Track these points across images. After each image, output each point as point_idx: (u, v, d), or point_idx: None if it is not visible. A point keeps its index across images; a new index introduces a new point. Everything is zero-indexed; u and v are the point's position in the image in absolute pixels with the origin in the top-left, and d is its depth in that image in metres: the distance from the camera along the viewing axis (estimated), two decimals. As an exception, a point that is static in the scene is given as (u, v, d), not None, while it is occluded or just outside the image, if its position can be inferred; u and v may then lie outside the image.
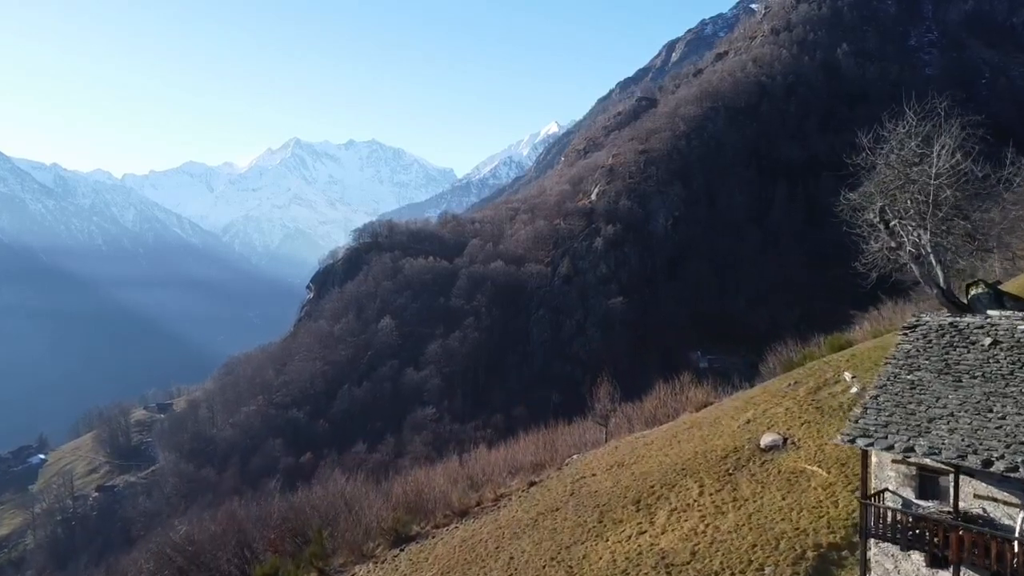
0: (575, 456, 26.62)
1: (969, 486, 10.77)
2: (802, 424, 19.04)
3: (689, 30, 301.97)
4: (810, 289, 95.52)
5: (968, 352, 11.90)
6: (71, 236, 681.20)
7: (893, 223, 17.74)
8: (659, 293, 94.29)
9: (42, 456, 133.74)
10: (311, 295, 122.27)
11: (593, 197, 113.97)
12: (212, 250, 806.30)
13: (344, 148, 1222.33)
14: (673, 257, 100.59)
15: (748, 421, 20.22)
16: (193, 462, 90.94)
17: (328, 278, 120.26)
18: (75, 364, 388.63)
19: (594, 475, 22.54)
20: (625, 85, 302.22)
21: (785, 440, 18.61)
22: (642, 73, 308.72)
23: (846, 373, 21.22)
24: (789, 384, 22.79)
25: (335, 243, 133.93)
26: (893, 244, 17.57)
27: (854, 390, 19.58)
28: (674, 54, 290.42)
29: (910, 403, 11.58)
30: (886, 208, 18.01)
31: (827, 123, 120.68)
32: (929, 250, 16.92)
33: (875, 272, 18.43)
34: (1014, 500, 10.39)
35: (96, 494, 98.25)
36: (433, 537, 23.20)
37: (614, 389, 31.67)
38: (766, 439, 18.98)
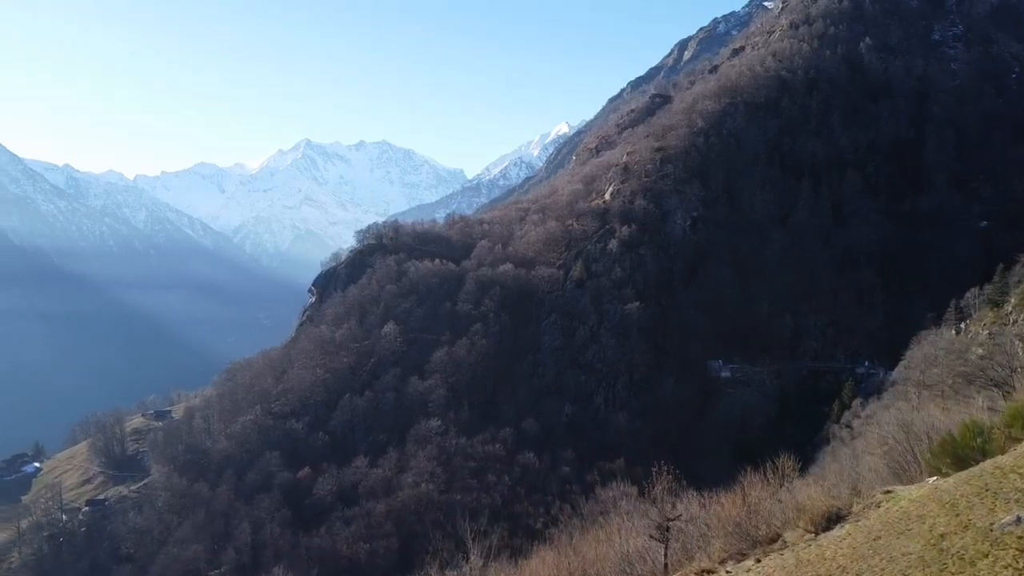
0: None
1: None
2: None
3: (701, 28, 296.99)
4: (837, 294, 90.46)
5: None
6: (82, 237, 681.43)
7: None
8: (677, 298, 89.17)
9: (37, 465, 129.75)
10: (313, 299, 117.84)
11: (607, 197, 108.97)
12: (223, 251, 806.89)
13: (355, 149, 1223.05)
14: (692, 259, 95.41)
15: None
16: (186, 476, 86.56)
17: (331, 281, 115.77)
18: (83, 368, 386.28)
19: None
20: (637, 84, 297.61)
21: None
22: (654, 72, 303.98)
23: None
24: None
25: (345, 244, 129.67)
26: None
27: None
28: (687, 52, 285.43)
29: None
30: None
31: (851, 119, 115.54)
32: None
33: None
34: None
35: (86, 508, 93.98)
36: None
37: (678, 480, 18.56)
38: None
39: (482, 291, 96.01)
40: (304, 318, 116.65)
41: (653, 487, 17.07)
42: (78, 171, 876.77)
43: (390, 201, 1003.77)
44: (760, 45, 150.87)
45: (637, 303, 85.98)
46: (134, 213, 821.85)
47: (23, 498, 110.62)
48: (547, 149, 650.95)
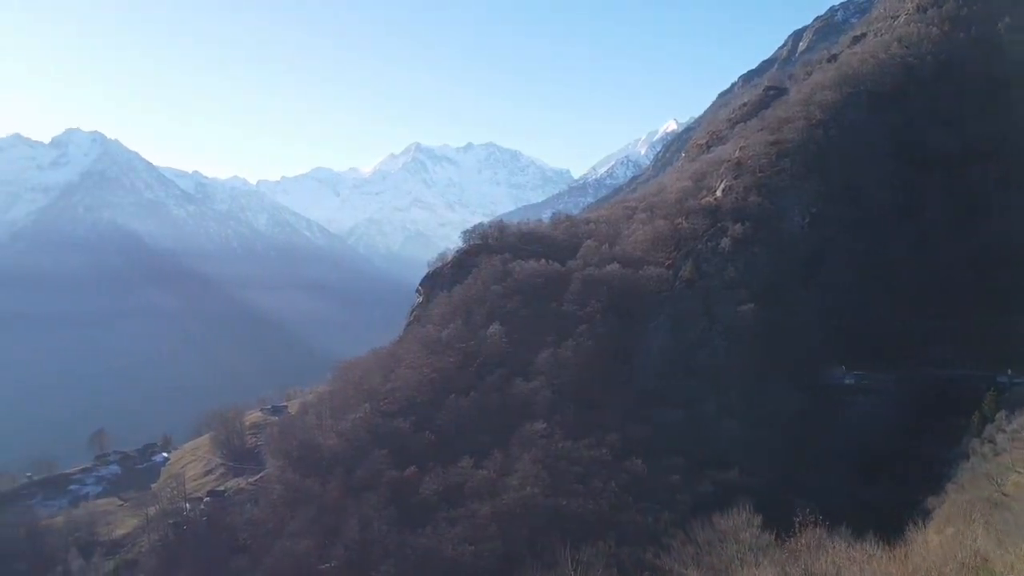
0: None
1: None
2: None
3: (818, 17, 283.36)
4: (971, 296, 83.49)
5: None
6: (209, 240, 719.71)
7: None
8: (794, 299, 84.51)
9: (165, 455, 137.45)
10: (420, 299, 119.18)
11: (718, 193, 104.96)
12: (338, 253, 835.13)
13: (462, 151, 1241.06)
14: (810, 259, 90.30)
15: None
16: (299, 470, 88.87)
17: (437, 281, 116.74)
18: (207, 363, 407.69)
19: None
20: (748, 78, 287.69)
21: None
22: (766, 65, 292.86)
23: None
24: None
25: (454, 245, 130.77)
26: None
27: None
28: (802, 43, 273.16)
29: None
30: None
31: (986, 106, 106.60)
32: None
33: None
34: None
35: (207, 498, 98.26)
36: None
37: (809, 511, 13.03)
38: None
39: (588, 291, 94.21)
40: (411, 318, 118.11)
41: (794, 534, 14.85)
42: (205, 177, 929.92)
43: (497, 202, 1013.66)
44: (884, 31, 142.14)
45: (751, 305, 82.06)
46: (256, 216, 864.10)
47: (152, 486, 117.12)
48: (655, 147, 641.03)
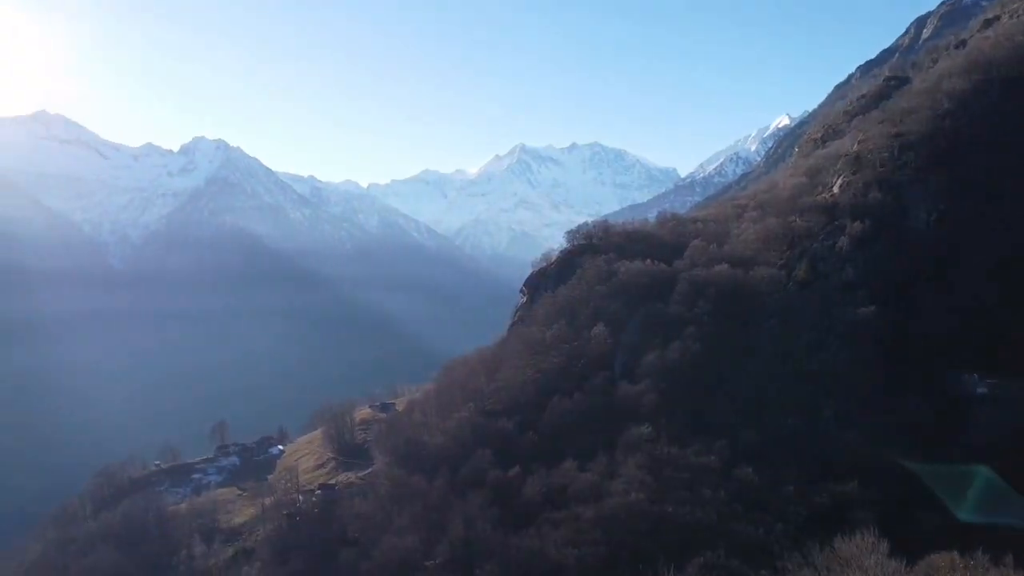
0: None
1: None
2: None
3: (943, 2, 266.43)
4: None
5: None
6: (323, 241, 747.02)
7: None
8: (919, 302, 79.08)
9: (280, 448, 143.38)
10: (524, 299, 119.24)
11: (835, 190, 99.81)
12: (445, 253, 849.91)
13: (567, 151, 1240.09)
14: (938, 259, 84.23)
15: None
16: (406, 467, 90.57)
17: (541, 281, 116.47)
18: (320, 360, 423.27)
19: None
20: (867, 68, 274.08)
21: None
22: (886, 54, 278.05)
23: None
24: None
25: (558, 245, 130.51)
26: None
27: None
28: (925, 30, 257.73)
29: None
30: None
31: None
32: None
33: None
34: None
35: (318, 491, 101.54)
36: None
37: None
38: None
39: (695, 292, 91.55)
40: (515, 318, 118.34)
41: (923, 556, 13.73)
42: (320, 181, 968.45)
43: (602, 202, 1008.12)
44: (1020, 12, 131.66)
45: (872, 307, 77.45)
46: (367, 219, 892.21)
47: (268, 477, 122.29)
48: (765, 143, 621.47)
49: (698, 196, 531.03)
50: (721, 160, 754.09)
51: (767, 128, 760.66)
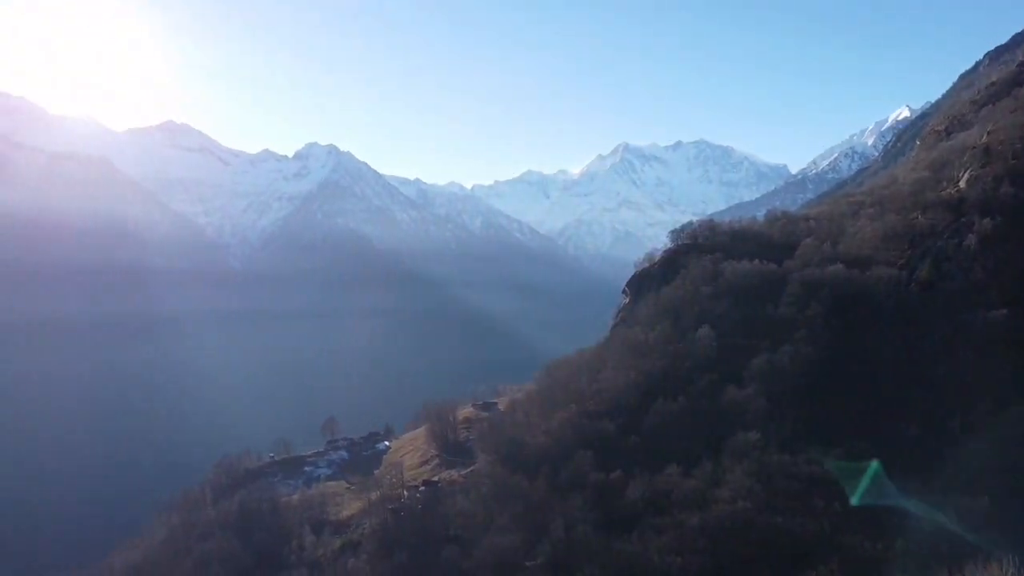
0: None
1: None
2: None
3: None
4: None
5: None
6: (429, 242, 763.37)
7: None
8: (1060, 304, 73.17)
9: (387, 444, 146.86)
10: (626, 300, 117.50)
11: (962, 184, 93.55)
12: (548, 254, 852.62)
13: (671, 150, 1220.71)
14: (1081, 258, 77.85)
15: None
16: (507, 466, 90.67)
17: (644, 282, 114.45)
18: (426, 358, 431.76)
19: None
20: (996, 55, 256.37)
21: None
22: (1020, 38, 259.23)
23: None
24: None
25: (662, 245, 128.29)
26: None
27: None
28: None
29: None
30: None
31: None
32: None
33: None
34: None
35: (422, 488, 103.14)
36: None
37: None
38: None
39: (807, 294, 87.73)
40: (618, 319, 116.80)
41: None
42: (425, 183, 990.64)
43: (708, 201, 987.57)
44: None
45: (1003, 310, 72.09)
46: (471, 220, 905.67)
47: (375, 472, 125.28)
48: (884, 136, 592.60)
49: (810, 193, 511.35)
50: (835, 155, 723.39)
51: (885, 121, 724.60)
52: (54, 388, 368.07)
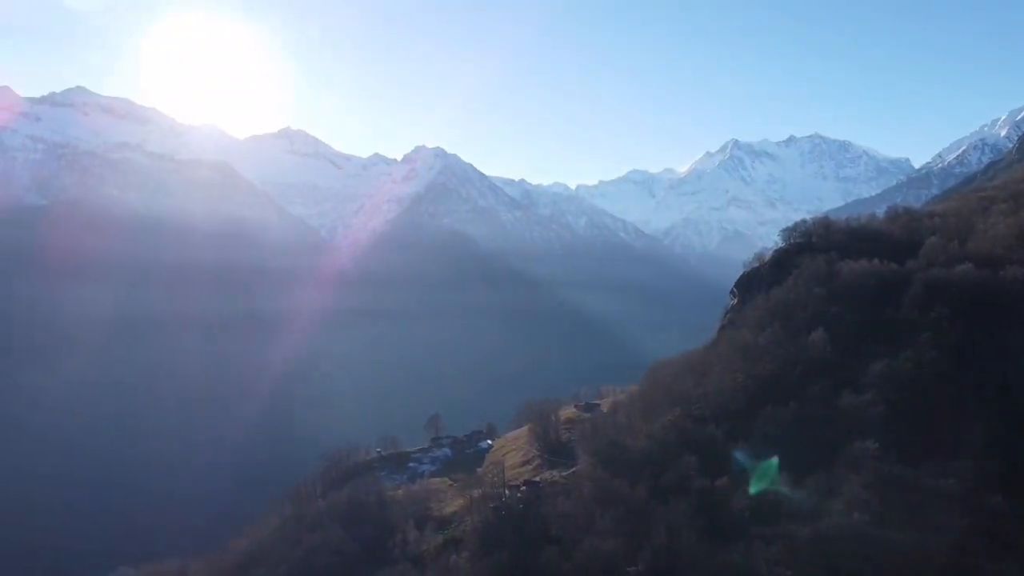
0: None
1: None
2: None
3: None
4: None
5: None
6: (532, 243, 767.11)
7: None
8: None
9: (489, 442, 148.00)
10: (734, 301, 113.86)
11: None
12: (653, 254, 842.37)
13: (784, 145, 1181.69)
14: None
15: None
16: (609, 469, 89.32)
17: (753, 282, 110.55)
18: (528, 358, 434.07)
19: None
20: None
21: None
22: None
23: None
24: None
25: (773, 244, 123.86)
26: None
27: None
28: None
29: None
30: None
31: None
32: None
33: None
34: None
35: (523, 488, 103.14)
36: None
37: None
38: None
39: (931, 295, 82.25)
40: (725, 320, 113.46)
41: None
42: (530, 184, 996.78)
43: (823, 198, 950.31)
44: None
45: None
46: (575, 220, 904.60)
47: (477, 470, 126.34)
48: (1019, 127, 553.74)
49: (935, 189, 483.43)
50: (963, 148, 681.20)
51: (1020, 111, 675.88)
52: (177, 382, 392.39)
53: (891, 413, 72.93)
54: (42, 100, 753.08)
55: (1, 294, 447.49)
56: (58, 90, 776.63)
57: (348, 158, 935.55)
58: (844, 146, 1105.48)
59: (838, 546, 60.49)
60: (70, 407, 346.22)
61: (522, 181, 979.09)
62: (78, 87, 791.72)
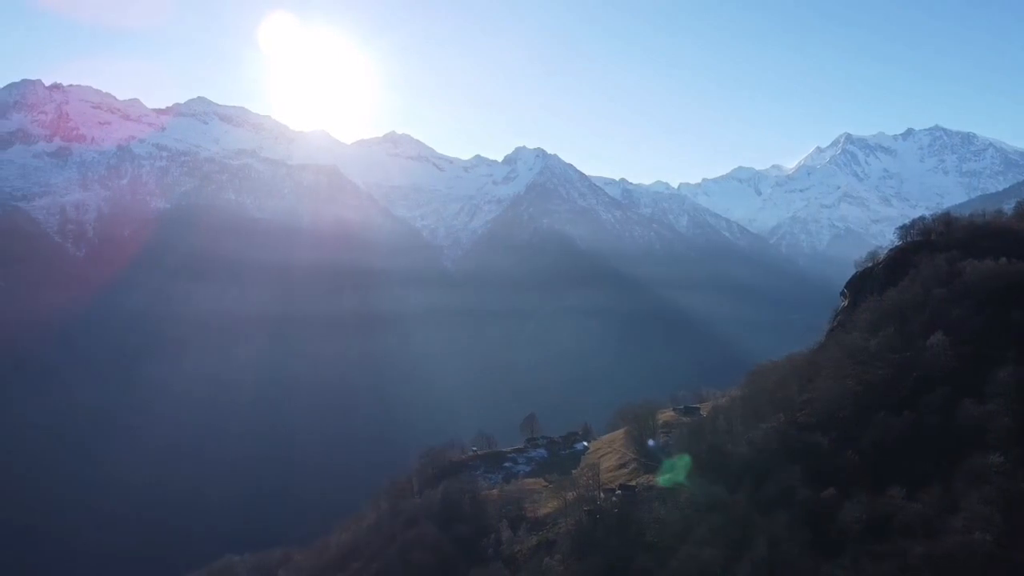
0: None
1: None
2: None
3: None
4: None
5: None
6: (633, 242, 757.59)
7: None
8: None
9: (585, 444, 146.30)
10: (845, 302, 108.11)
11: None
12: (758, 253, 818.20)
13: (900, 139, 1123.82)
14: None
15: None
16: (707, 475, 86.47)
17: (865, 283, 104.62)
18: (627, 359, 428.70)
19: None
20: None
21: None
22: None
23: None
24: None
25: (888, 243, 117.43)
26: None
27: None
28: None
29: None
30: None
31: None
32: None
33: None
34: None
35: (618, 491, 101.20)
36: None
37: None
38: None
39: (1067, 297, 75.45)
40: (834, 323, 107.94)
41: None
42: (630, 183, 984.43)
43: (944, 193, 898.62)
44: None
45: None
46: (677, 219, 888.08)
47: (572, 472, 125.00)
48: None
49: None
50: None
51: None
52: (288, 378, 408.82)
53: (1018, 424, 67.27)
54: (166, 110, 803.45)
55: (136, 293, 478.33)
56: (181, 100, 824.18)
57: (450, 160, 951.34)
58: (968, 138, 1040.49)
59: (957, 565, 56.10)
60: (202, 398, 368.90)
61: (623, 180, 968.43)
62: (199, 97, 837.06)
